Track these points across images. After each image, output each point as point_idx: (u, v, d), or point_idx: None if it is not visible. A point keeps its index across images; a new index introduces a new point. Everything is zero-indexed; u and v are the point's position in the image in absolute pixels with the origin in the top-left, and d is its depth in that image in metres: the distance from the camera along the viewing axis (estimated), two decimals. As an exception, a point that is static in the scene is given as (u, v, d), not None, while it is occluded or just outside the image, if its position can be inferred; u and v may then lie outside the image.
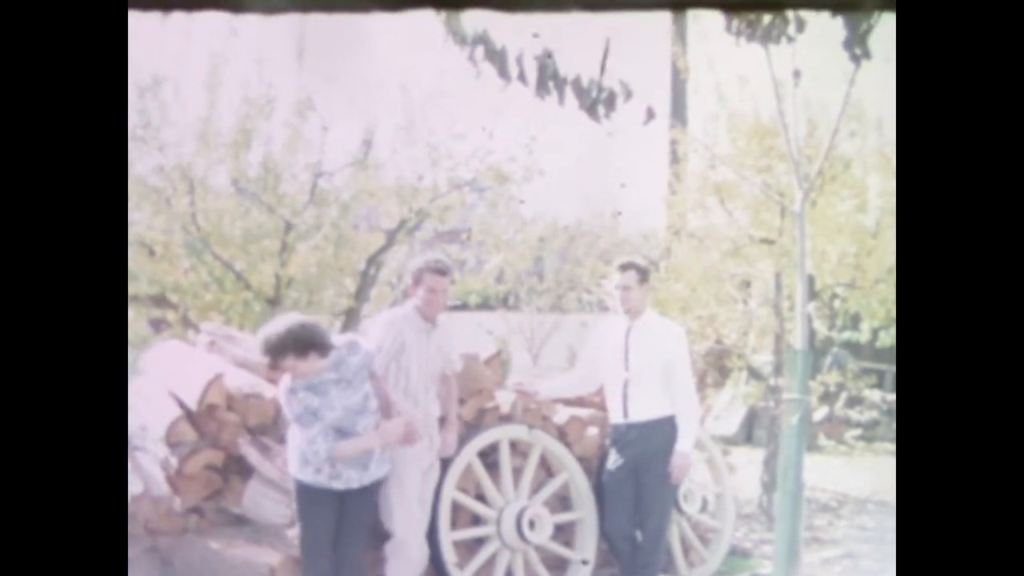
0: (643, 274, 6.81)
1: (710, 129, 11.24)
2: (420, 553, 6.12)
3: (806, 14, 4.19)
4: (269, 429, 6.30)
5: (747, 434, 14.32)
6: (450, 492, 6.53)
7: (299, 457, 5.61)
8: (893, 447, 14.62)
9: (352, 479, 5.62)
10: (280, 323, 5.51)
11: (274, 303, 10.62)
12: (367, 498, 5.79)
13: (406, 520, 6.04)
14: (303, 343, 5.44)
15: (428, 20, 3.76)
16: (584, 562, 6.98)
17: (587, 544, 7.12)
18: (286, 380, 5.57)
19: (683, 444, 6.62)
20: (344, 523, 5.67)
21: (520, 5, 1.75)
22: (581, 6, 1.75)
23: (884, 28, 4.13)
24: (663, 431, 6.67)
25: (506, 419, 7.05)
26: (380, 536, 6.14)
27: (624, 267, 6.75)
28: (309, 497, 5.63)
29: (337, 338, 5.72)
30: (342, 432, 5.53)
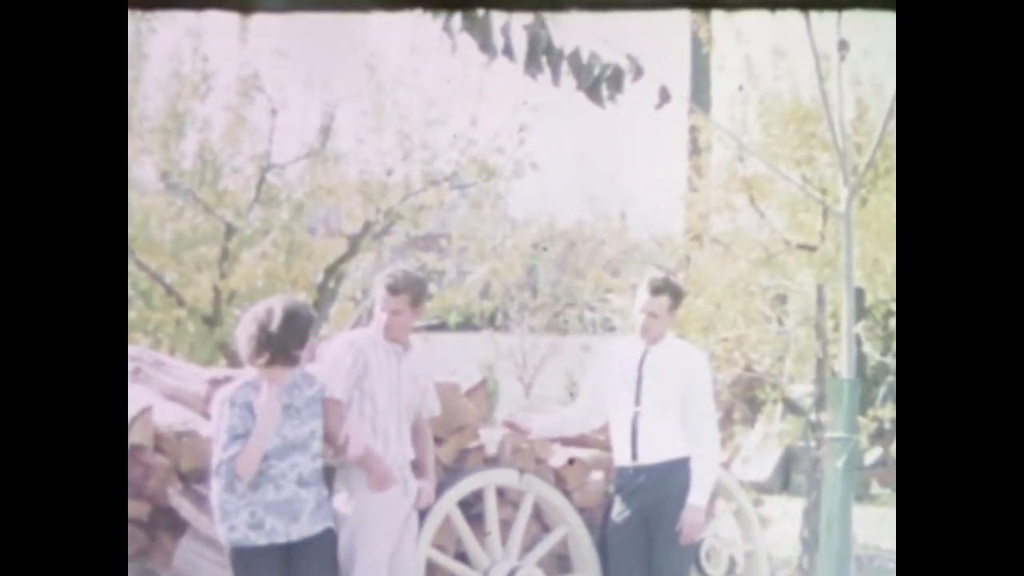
0: (677, 300, 6.79)
1: (738, 113, 11.27)
2: None
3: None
4: (206, 475, 6.27)
5: (783, 480, 14.33)
6: (425, 550, 6.52)
7: (217, 505, 5.68)
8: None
9: (277, 531, 5.63)
10: (278, 306, 5.74)
11: (212, 322, 10.60)
12: (322, 555, 5.79)
13: (368, 582, 6.03)
14: (303, 335, 5.70)
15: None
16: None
17: (590, 613, 7.12)
18: (226, 390, 5.70)
19: (696, 496, 6.61)
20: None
21: (520, 4, 1.95)
22: (580, 6, 1.98)
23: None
24: (679, 475, 6.67)
25: (492, 462, 7.04)
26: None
27: (657, 289, 6.70)
28: (239, 560, 5.68)
29: None
30: (268, 464, 5.63)
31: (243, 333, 5.75)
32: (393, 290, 6.10)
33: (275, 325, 5.64)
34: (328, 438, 5.87)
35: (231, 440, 5.55)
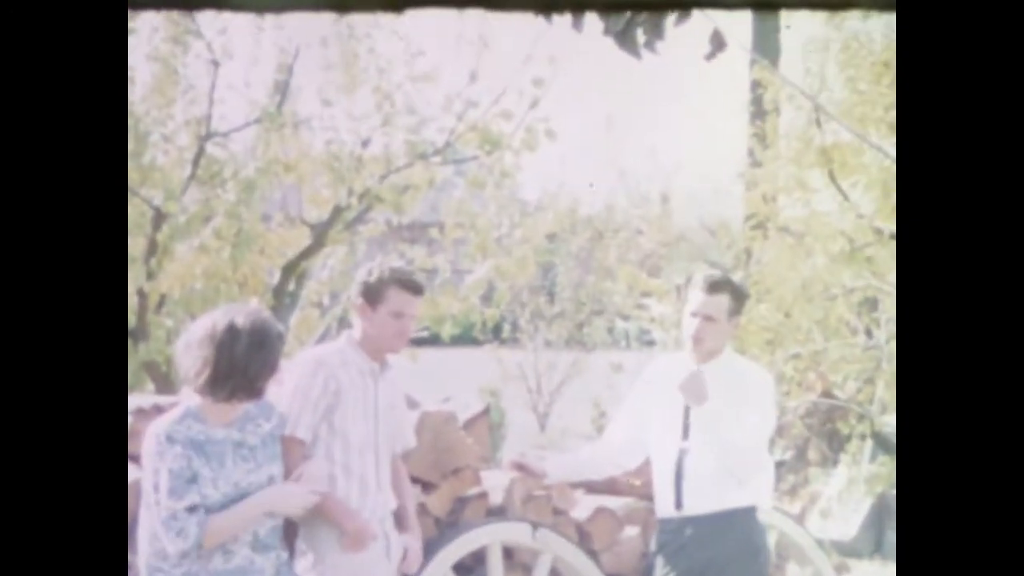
0: (740, 302, 6.82)
1: (815, 64, 11.28)
2: None
3: None
4: (132, 530, 6.32)
5: (875, 539, 14.34)
6: (412, 627, 6.57)
7: (146, 573, 5.66)
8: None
9: None
10: (241, 321, 5.64)
11: (136, 336, 10.63)
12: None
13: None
14: (275, 361, 5.65)
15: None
16: None
17: None
18: (161, 423, 5.66)
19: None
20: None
21: (519, 5, 2.29)
22: (578, 6, 2.31)
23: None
24: (738, 529, 6.71)
25: (498, 513, 7.09)
26: None
27: (715, 286, 6.71)
28: None
29: None
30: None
31: (192, 357, 5.64)
32: (415, 289, 6.18)
33: (241, 348, 5.55)
34: None
35: (186, 485, 5.51)
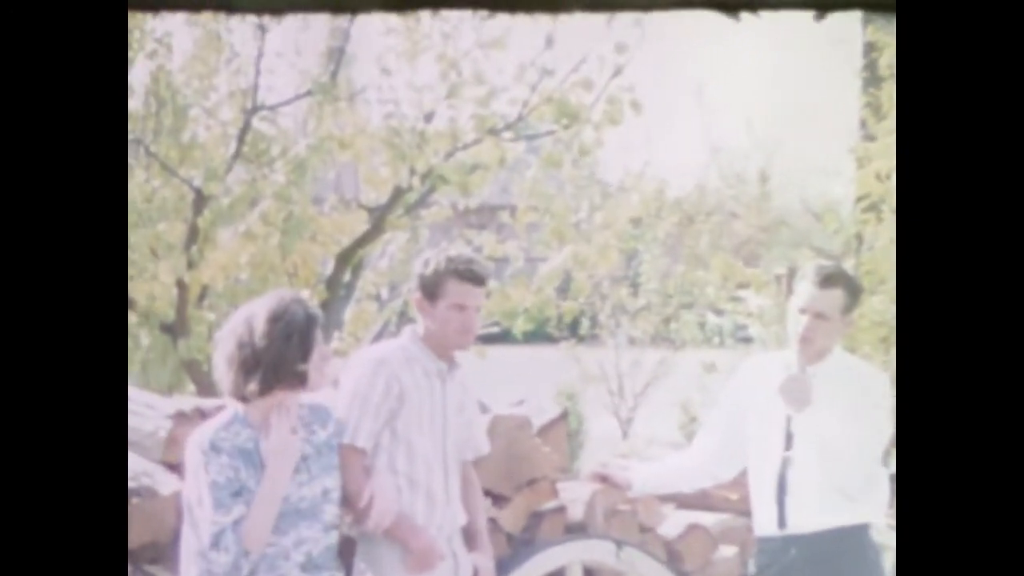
0: (855, 297, 6.78)
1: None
2: None
3: None
4: (165, 552, 6.36)
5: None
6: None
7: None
8: None
9: None
10: (259, 309, 5.73)
11: (175, 332, 10.67)
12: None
13: None
14: (304, 341, 5.67)
15: None
16: None
17: None
18: (205, 431, 5.69)
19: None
20: None
21: (520, 5, 2.48)
22: (581, 6, 2.45)
23: None
24: (850, 551, 6.68)
25: (578, 529, 7.09)
26: None
27: (828, 279, 6.68)
28: None
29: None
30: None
31: (220, 356, 5.73)
32: (477, 280, 6.15)
33: (259, 335, 5.61)
34: (346, 500, 5.90)
35: (233, 498, 5.56)
